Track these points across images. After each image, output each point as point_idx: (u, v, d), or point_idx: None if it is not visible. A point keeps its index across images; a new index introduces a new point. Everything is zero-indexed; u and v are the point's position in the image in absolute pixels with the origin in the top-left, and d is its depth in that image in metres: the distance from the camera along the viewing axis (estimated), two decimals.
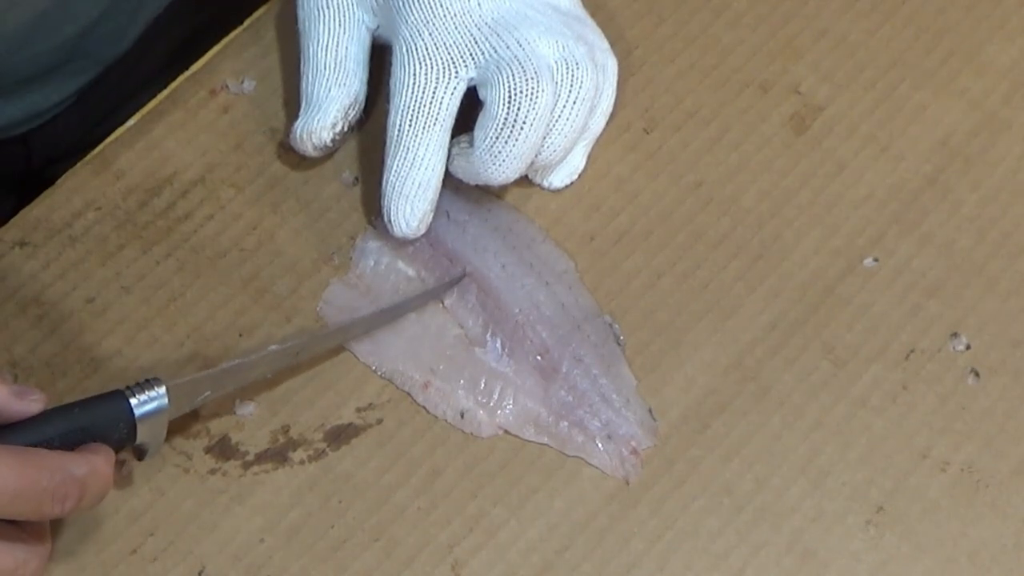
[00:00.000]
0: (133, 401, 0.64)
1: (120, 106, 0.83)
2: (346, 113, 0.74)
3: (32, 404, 0.63)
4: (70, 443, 0.63)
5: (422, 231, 0.72)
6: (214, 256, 0.74)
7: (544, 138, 0.71)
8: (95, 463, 0.62)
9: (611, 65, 0.75)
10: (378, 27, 0.74)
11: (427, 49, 0.71)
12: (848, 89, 0.79)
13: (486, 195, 0.75)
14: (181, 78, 0.78)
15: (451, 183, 0.73)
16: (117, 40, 0.82)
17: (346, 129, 0.74)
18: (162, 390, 0.65)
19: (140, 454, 0.67)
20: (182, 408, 0.67)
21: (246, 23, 0.80)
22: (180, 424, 0.70)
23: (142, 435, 0.65)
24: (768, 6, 0.81)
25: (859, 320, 0.73)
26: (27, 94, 0.81)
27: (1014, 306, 0.73)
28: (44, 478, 0.60)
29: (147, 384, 0.65)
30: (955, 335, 0.73)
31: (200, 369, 0.71)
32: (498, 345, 0.72)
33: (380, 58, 0.76)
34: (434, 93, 0.71)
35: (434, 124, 0.71)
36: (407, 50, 0.71)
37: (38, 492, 0.60)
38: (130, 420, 0.64)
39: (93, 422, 0.64)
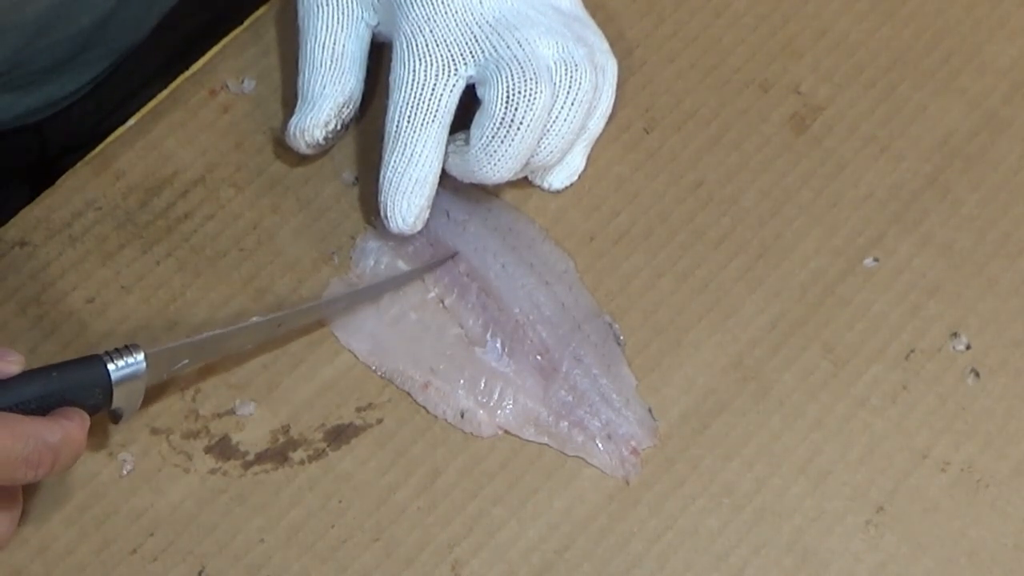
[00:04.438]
0: (111, 366, 0.65)
1: (135, 96, 0.83)
2: (340, 111, 0.74)
3: (10, 365, 0.63)
4: (46, 406, 0.64)
5: (419, 227, 0.72)
6: (214, 256, 0.74)
7: (541, 139, 0.71)
8: (68, 429, 0.63)
9: (611, 67, 0.75)
10: (378, 24, 0.74)
11: (427, 46, 0.71)
12: (848, 89, 0.79)
13: (486, 195, 0.75)
14: (181, 78, 0.78)
15: (451, 182, 0.73)
16: (133, 30, 0.82)
17: (339, 127, 0.74)
18: (140, 356, 0.66)
19: (115, 418, 0.67)
20: (160, 375, 0.67)
21: (246, 23, 0.80)
22: (180, 424, 0.70)
23: (118, 400, 0.66)
24: (768, 6, 0.81)
25: (859, 320, 0.73)
26: (44, 84, 0.81)
27: (1014, 306, 0.73)
28: (18, 445, 0.61)
29: (125, 350, 0.66)
30: (955, 335, 0.73)
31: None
32: (498, 345, 0.72)
33: (378, 57, 0.76)
34: (433, 90, 0.71)
35: (432, 121, 0.71)
36: (407, 46, 0.71)
37: (11, 459, 0.61)
38: (107, 385, 0.65)
39: (70, 385, 0.64)
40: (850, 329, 0.73)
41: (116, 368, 0.65)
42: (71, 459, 0.63)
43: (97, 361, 0.65)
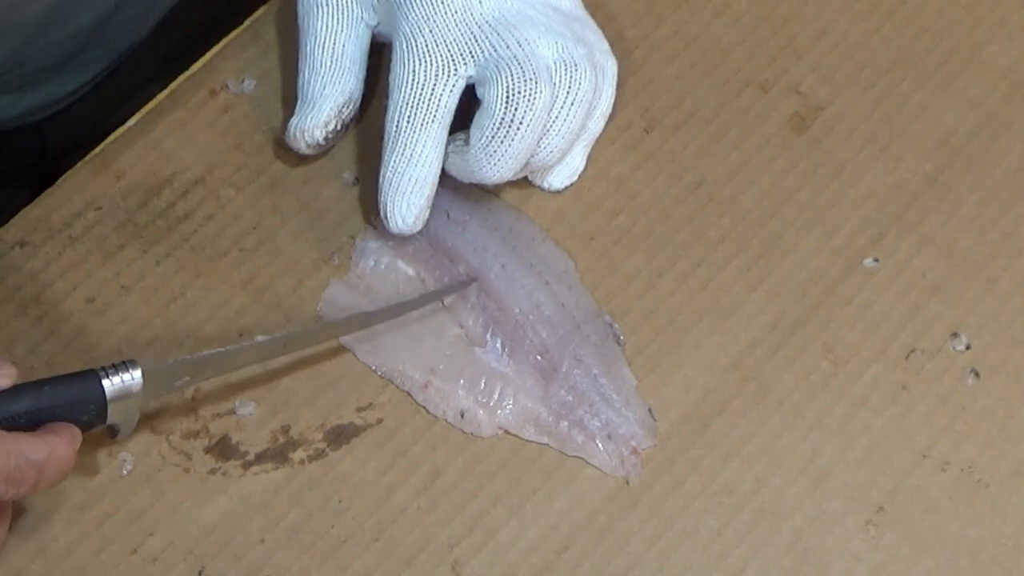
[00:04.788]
0: (106, 382, 0.64)
1: (134, 96, 0.83)
2: (340, 111, 0.74)
3: (1, 379, 0.63)
4: (37, 420, 0.63)
5: (418, 227, 0.72)
6: (214, 256, 0.74)
7: (541, 139, 0.71)
8: (55, 446, 0.62)
9: (610, 66, 0.75)
10: (378, 24, 0.74)
11: (427, 46, 0.71)
12: (848, 89, 0.79)
13: (486, 195, 0.75)
14: (181, 78, 0.78)
15: (451, 182, 0.73)
16: (134, 30, 0.82)
17: (339, 127, 0.74)
18: (137, 373, 0.64)
19: (112, 433, 0.67)
20: (158, 392, 0.67)
21: (246, 23, 0.80)
22: (180, 424, 0.70)
23: (113, 416, 0.65)
24: (768, 6, 0.81)
25: (859, 320, 0.73)
26: (44, 84, 0.81)
27: (1014, 306, 0.74)
28: None
29: (122, 365, 0.64)
30: (955, 335, 0.73)
31: None
32: (498, 345, 0.72)
33: (378, 57, 0.76)
34: (433, 90, 0.71)
35: (432, 121, 0.71)
36: (407, 46, 0.71)
37: None
38: (101, 401, 0.64)
39: (63, 400, 0.63)
40: (850, 329, 0.73)
41: (111, 384, 0.64)
42: (57, 476, 0.62)
43: (92, 376, 0.64)
